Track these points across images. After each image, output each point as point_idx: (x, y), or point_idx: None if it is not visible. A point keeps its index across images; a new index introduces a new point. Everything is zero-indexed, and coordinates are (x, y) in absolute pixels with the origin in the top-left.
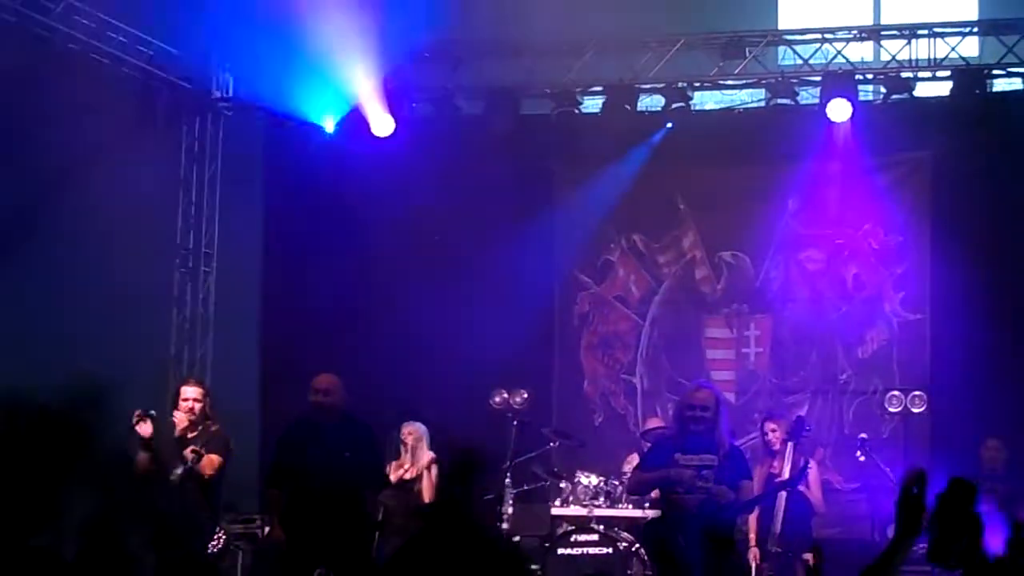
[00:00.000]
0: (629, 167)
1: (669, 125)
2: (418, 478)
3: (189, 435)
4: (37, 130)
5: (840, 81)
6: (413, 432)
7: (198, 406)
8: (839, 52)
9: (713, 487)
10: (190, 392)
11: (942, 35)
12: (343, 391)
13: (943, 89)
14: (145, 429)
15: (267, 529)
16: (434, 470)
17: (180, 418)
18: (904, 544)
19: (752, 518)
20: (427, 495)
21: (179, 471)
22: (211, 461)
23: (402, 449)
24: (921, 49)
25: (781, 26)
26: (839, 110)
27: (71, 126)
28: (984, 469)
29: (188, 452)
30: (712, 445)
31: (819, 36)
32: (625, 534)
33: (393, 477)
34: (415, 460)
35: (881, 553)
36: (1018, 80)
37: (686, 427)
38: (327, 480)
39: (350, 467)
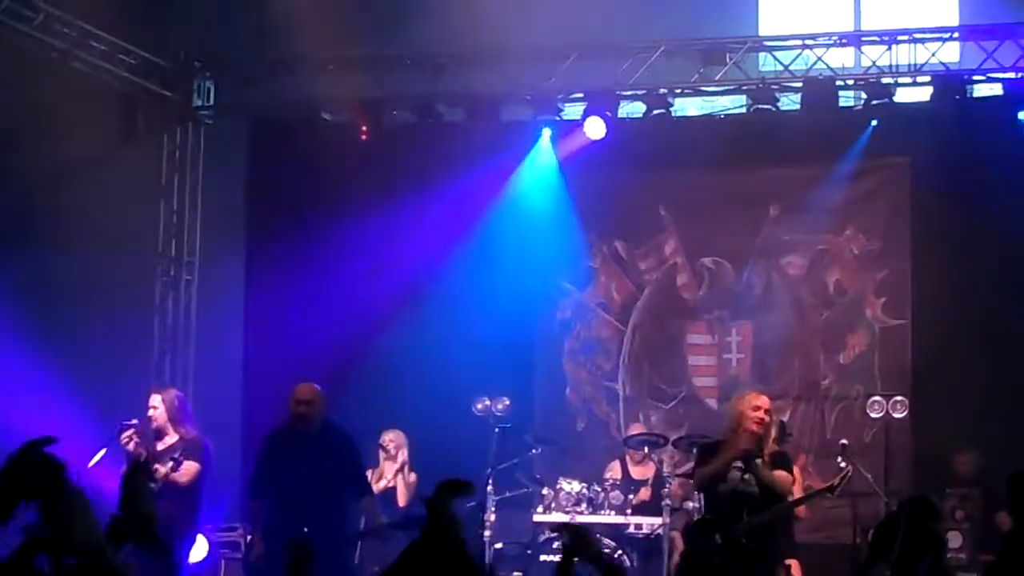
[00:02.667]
0: (610, 173)
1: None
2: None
3: (160, 446)
4: (18, 139)
5: (821, 87)
6: (394, 439)
7: (155, 413)
8: (820, 58)
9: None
10: (151, 401)
11: (922, 41)
12: (324, 399)
13: (923, 95)
14: (129, 444)
15: (249, 540)
16: (411, 476)
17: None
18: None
19: None
20: (402, 500)
21: (154, 486)
22: (189, 469)
23: (381, 455)
24: (901, 55)
25: (762, 32)
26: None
27: (52, 135)
28: (959, 480)
29: (163, 466)
30: (759, 450)
31: (800, 42)
32: (608, 540)
33: (375, 489)
34: (395, 466)
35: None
36: (998, 86)
37: (747, 427)
38: (309, 489)
39: (331, 475)
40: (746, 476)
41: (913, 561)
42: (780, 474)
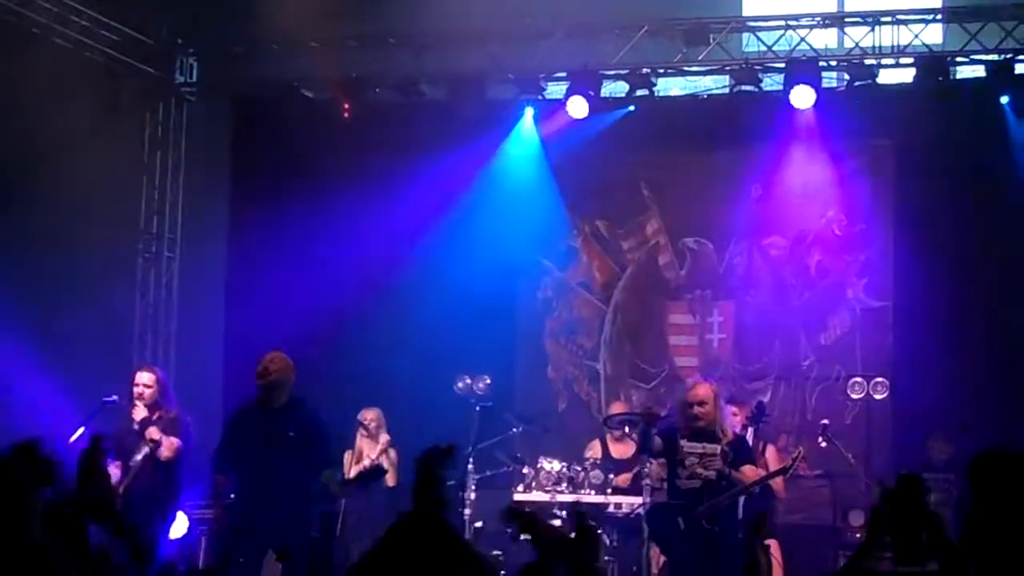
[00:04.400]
0: (593, 153)
1: (631, 108)
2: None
3: (148, 421)
4: None
5: (804, 68)
6: (374, 418)
7: (148, 391)
8: (803, 39)
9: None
10: (141, 378)
11: (905, 22)
12: (291, 371)
13: (906, 76)
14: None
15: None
16: (392, 453)
17: (139, 410)
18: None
19: None
20: (391, 480)
21: (139, 457)
22: (171, 444)
23: (361, 434)
24: (884, 36)
25: (745, 13)
26: (803, 97)
27: (33, 112)
28: (934, 466)
29: (151, 432)
30: (714, 436)
31: (783, 23)
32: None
33: (354, 470)
34: (377, 444)
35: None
36: (981, 67)
37: (689, 423)
38: (271, 464)
39: (293, 450)
40: (705, 460)
41: (910, 539)
42: (746, 470)
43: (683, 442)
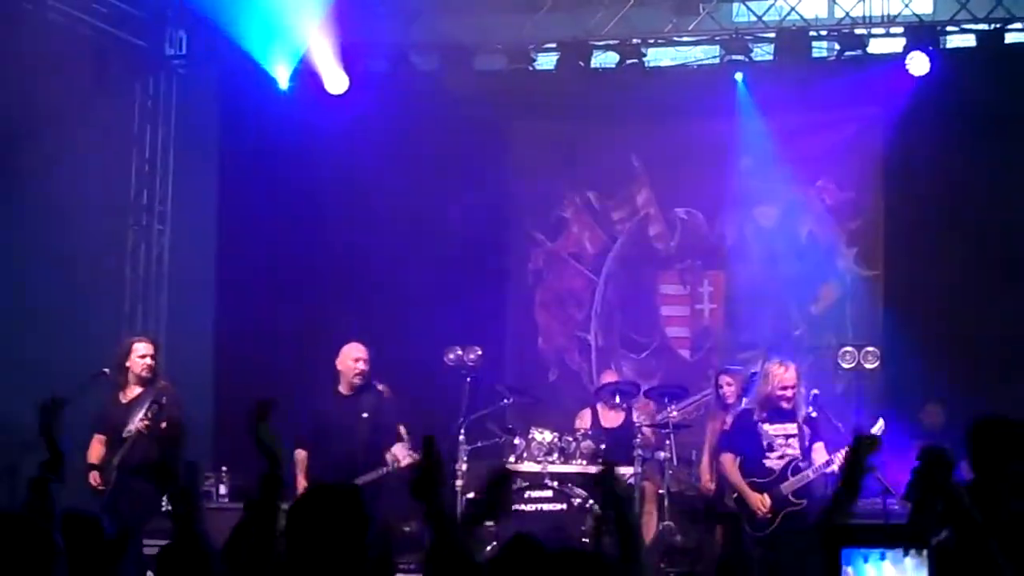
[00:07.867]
0: (582, 124)
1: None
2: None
3: (139, 392)
4: None
5: (794, 38)
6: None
7: (153, 362)
8: (793, 8)
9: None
10: (146, 349)
11: None
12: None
13: (897, 46)
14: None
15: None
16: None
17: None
18: (844, 504)
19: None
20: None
21: (132, 428)
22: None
23: None
24: (875, 5)
25: None
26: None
27: (24, 85)
28: (925, 432)
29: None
30: (793, 414)
31: None
32: (579, 490)
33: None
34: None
35: (823, 510)
36: (971, 37)
37: (776, 404)
38: (348, 441)
39: (367, 428)
40: (790, 440)
41: (926, 510)
42: (818, 447)
43: (764, 427)
